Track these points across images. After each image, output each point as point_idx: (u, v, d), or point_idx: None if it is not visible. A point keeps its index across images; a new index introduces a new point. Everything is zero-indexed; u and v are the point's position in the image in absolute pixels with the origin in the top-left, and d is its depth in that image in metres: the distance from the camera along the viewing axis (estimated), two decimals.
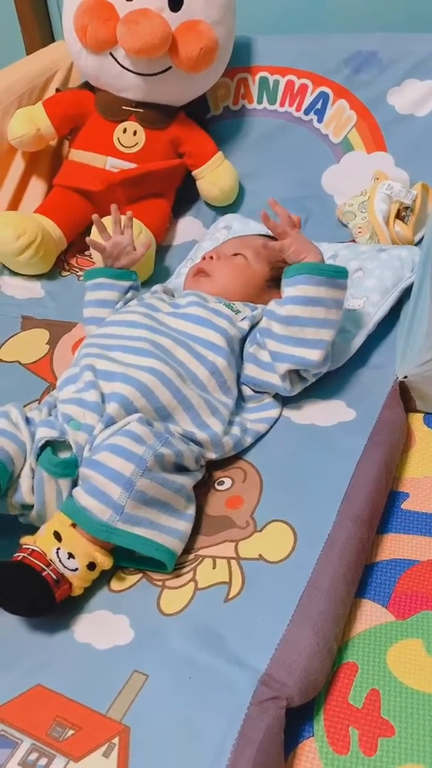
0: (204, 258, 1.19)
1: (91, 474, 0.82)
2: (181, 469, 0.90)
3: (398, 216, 1.34)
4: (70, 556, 0.78)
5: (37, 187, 1.54)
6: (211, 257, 1.16)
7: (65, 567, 0.78)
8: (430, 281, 1.05)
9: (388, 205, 1.33)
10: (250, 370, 1.03)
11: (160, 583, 0.83)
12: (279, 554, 0.84)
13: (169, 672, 0.73)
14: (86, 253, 1.49)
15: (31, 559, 0.77)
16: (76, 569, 0.78)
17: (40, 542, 0.79)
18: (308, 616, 0.76)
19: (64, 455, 0.87)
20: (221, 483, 0.95)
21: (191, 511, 0.88)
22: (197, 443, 0.94)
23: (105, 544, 0.81)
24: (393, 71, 1.44)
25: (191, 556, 0.86)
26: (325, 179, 1.51)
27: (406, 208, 1.34)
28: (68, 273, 1.47)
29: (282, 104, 1.53)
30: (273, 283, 1.15)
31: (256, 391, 1.05)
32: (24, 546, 0.80)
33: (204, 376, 0.98)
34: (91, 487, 0.81)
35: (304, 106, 1.51)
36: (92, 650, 0.76)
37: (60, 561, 0.78)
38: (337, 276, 0.99)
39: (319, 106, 1.50)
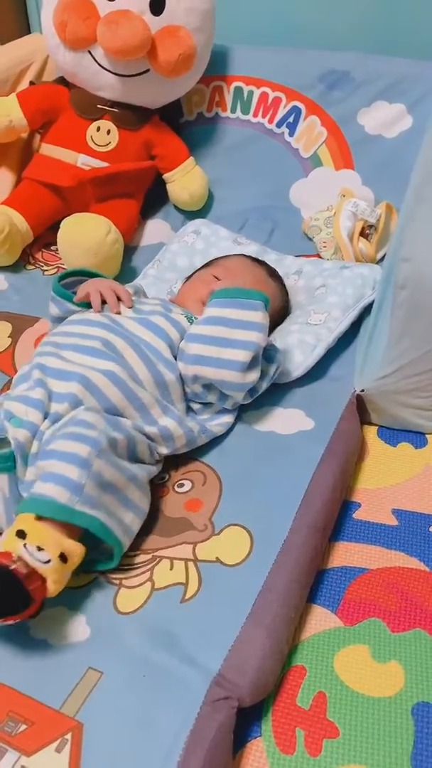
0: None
1: (46, 463, 0.81)
2: (135, 459, 0.91)
3: (362, 234, 1.38)
4: (39, 549, 0.75)
5: (5, 179, 1.52)
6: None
7: (36, 560, 0.75)
8: (391, 300, 1.08)
9: (353, 222, 1.37)
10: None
11: (117, 582, 0.84)
12: (236, 557, 0.86)
13: (124, 670, 0.74)
14: (52, 247, 1.48)
15: None
16: (49, 561, 0.75)
17: (4, 545, 0.76)
18: (262, 618, 0.78)
19: (3, 451, 0.87)
20: (181, 485, 0.97)
21: (144, 505, 0.88)
22: (149, 438, 0.95)
23: (70, 532, 0.79)
24: (364, 91, 1.48)
25: (149, 557, 0.87)
26: (293, 192, 1.54)
27: (371, 226, 1.38)
28: (33, 267, 1.46)
29: (255, 115, 1.56)
30: None
31: (204, 404, 1.05)
32: None
33: (149, 383, 0.98)
34: (47, 474, 0.80)
35: (277, 118, 1.54)
36: (47, 646, 0.77)
37: (30, 554, 0.75)
38: (243, 296, 1.02)
39: (291, 119, 1.53)
